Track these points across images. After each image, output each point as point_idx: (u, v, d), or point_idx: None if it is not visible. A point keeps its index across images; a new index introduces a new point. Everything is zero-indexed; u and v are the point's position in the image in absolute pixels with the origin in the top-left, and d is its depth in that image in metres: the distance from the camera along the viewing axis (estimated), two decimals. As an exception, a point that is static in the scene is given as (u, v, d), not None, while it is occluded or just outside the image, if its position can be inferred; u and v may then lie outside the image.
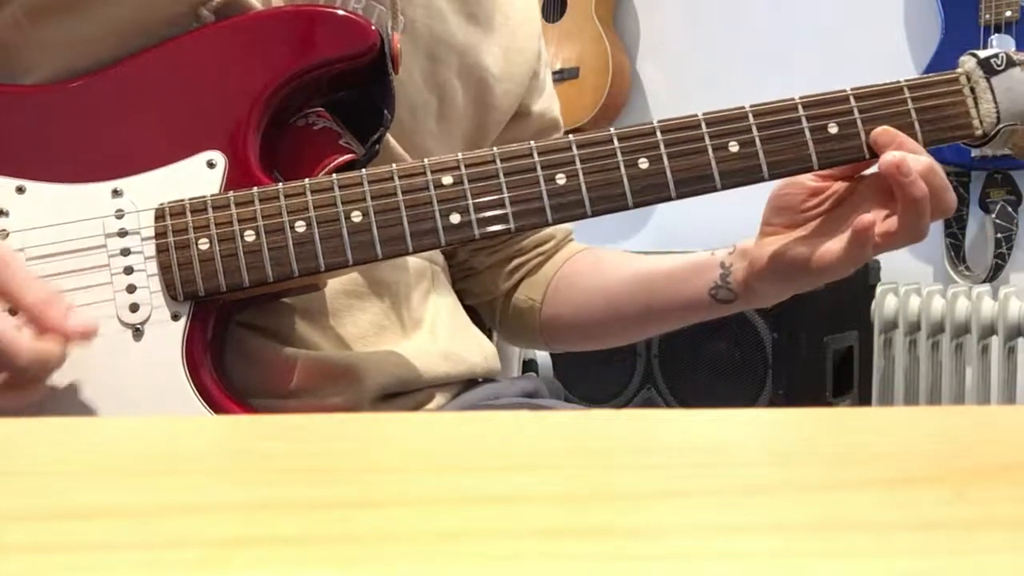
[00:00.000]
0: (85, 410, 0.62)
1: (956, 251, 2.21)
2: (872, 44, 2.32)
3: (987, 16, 2.09)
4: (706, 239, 2.38)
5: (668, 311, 0.82)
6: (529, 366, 1.12)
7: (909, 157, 0.65)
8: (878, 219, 0.67)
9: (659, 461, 0.28)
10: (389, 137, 0.74)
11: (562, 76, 2.56)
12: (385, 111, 0.68)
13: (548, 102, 0.90)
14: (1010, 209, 2.14)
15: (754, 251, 0.74)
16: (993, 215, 2.15)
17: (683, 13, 2.62)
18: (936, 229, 2.23)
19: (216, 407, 0.63)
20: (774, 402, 2.07)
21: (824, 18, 2.40)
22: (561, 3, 2.61)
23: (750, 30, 2.51)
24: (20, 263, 0.61)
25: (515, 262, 0.89)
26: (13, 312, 0.58)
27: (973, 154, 2.10)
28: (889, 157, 0.65)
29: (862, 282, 2.23)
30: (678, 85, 2.63)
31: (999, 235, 2.14)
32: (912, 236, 0.66)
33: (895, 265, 2.27)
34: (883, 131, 0.67)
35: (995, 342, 2.10)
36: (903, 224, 0.66)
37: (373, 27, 0.67)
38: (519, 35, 0.85)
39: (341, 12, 0.68)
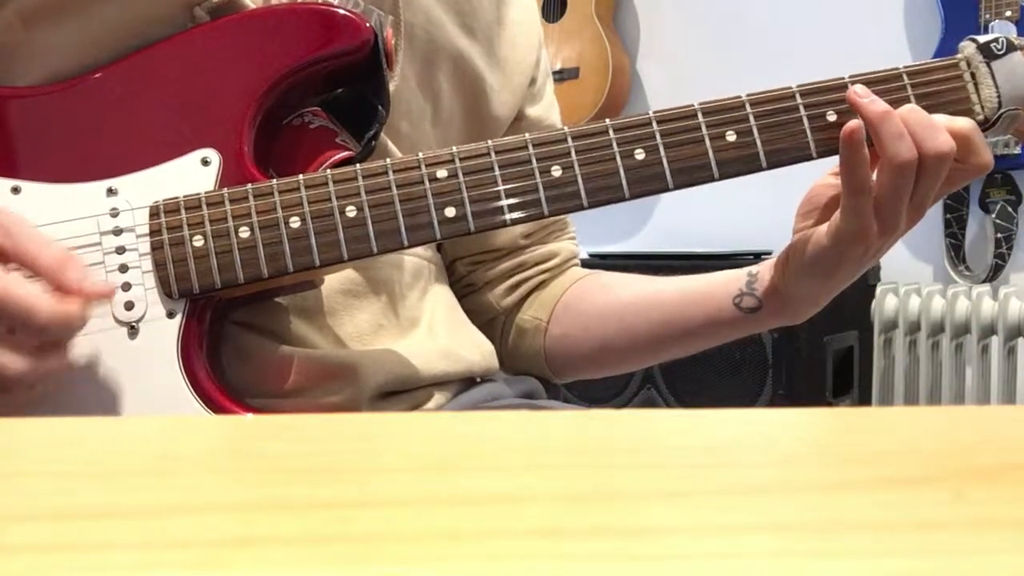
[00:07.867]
0: (81, 409, 0.62)
1: (956, 251, 2.21)
2: (872, 44, 2.31)
3: (987, 16, 2.10)
4: (707, 239, 2.39)
5: (688, 327, 0.80)
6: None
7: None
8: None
9: (659, 461, 0.28)
10: (388, 142, 0.73)
11: (562, 76, 2.56)
12: (380, 107, 0.68)
13: (546, 110, 0.89)
14: (1010, 209, 2.14)
15: (781, 252, 0.73)
16: (993, 215, 2.15)
17: (683, 13, 2.62)
18: (936, 229, 2.23)
19: (213, 405, 0.63)
20: (774, 402, 2.07)
21: (824, 18, 2.40)
22: (561, 3, 2.61)
23: (750, 30, 2.50)
24: (30, 227, 0.60)
25: (516, 278, 0.87)
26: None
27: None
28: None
29: (862, 282, 2.23)
30: (678, 85, 2.62)
31: (999, 235, 2.14)
32: (894, 183, 0.64)
33: (895, 265, 2.27)
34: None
35: (995, 342, 2.10)
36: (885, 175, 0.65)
37: (367, 24, 0.67)
38: (516, 48, 0.85)
39: (335, 9, 0.68)
